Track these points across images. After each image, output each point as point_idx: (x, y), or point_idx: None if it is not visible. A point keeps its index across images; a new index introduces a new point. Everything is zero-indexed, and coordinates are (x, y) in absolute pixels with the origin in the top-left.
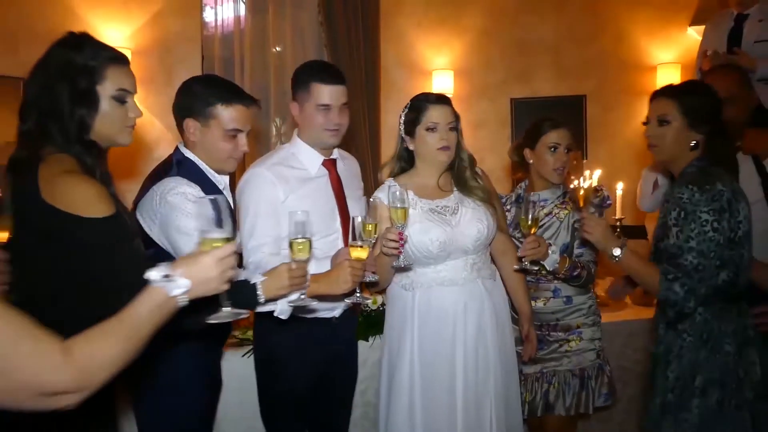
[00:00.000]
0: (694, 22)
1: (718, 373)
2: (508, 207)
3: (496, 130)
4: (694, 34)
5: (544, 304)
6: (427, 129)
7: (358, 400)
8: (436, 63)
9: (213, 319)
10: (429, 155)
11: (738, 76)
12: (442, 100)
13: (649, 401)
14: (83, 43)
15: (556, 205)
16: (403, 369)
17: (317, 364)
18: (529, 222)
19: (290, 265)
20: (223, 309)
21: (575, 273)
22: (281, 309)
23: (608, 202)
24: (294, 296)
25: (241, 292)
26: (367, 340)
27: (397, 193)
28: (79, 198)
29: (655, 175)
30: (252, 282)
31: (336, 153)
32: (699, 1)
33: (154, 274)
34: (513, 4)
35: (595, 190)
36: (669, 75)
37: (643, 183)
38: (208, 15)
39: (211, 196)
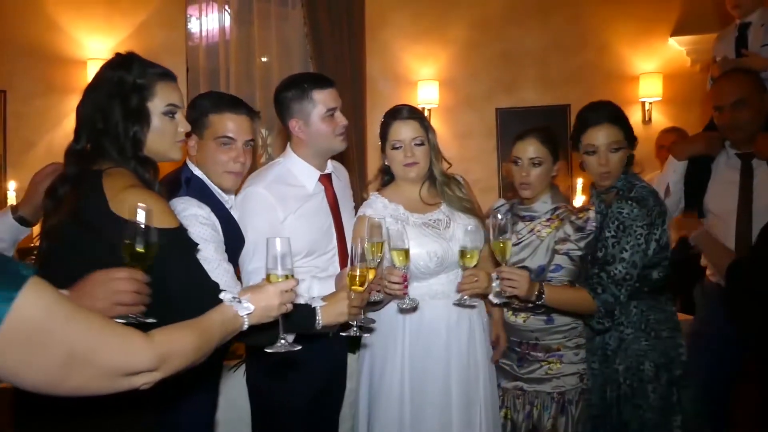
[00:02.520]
0: (675, 33)
1: (664, 358)
2: (501, 216)
3: (482, 141)
4: (675, 45)
5: (524, 321)
6: (393, 147)
7: (347, 413)
8: (422, 74)
9: (271, 349)
10: (398, 172)
11: (748, 79)
12: (407, 115)
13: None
14: (132, 61)
15: (541, 222)
16: (393, 383)
17: (315, 379)
18: (468, 254)
19: (349, 293)
20: (280, 341)
21: (530, 305)
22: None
23: (593, 224)
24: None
25: (300, 314)
26: (355, 353)
27: (396, 232)
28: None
29: (667, 182)
30: (313, 306)
31: (330, 166)
32: (680, 13)
33: (226, 295)
34: (498, 15)
35: (580, 210)
36: (651, 84)
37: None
38: (193, 26)
39: (281, 238)
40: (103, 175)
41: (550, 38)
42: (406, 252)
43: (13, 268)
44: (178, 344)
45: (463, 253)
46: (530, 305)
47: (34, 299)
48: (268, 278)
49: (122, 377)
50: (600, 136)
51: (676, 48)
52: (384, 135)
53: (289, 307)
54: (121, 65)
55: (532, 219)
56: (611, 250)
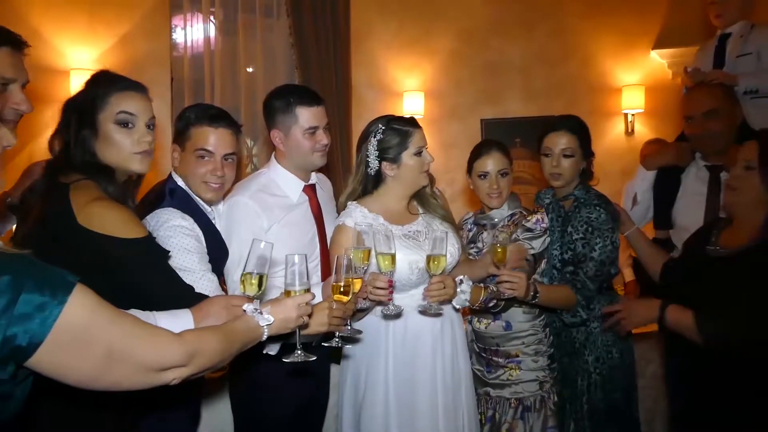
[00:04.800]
0: (657, 45)
1: (625, 344)
2: (470, 226)
3: (467, 151)
4: (657, 58)
5: (485, 327)
6: (416, 154)
7: (331, 425)
8: (407, 84)
9: (288, 359)
10: (411, 179)
11: (720, 90)
12: (417, 122)
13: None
14: (99, 77)
15: (499, 228)
16: (377, 393)
17: (298, 391)
18: (434, 261)
19: (332, 304)
20: (297, 351)
21: (490, 305)
22: (270, 345)
23: (542, 225)
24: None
25: None
26: (339, 363)
27: (382, 237)
28: (115, 221)
29: (634, 191)
30: None
31: (314, 177)
32: (661, 26)
33: (248, 306)
34: (482, 27)
35: (531, 212)
36: (633, 96)
37: (625, 199)
38: (178, 36)
39: (299, 254)
40: (71, 188)
41: (534, 50)
42: (392, 257)
43: (60, 274)
44: (206, 343)
45: (429, 260)
46: (490, 308)
47: (82, 302)
48: (286, 293)
49: (155, 372)
50: (556, 140)
51: (658, 61)
52: (401, 144)
53: (306, 319)
54: (90, 81)
55: (492, 227)
56: (582, 251)
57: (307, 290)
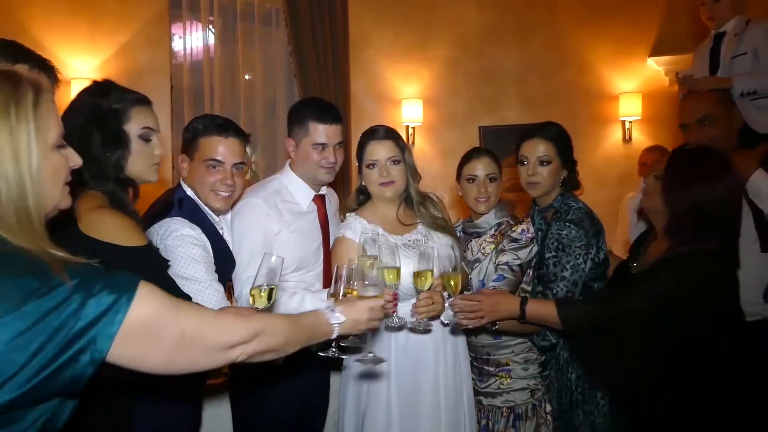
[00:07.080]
0: (653, 53)
1: None
2: (458, 233)
3: None
4: (654, 65)
5: (476, 336)
6: (368, 166)
7: (332, 431)
8: (405, 92)
9: (324, 353)
10: (374, 191)
11: (712, 96)
12: (382, 135)
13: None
14: (108, 88)
15: (486, 239)
16: (379, 400)
17: (299, 395)
18: (422, 276)
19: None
20: (368, 354)
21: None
22: None
23: (528, 234)
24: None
25: None
26: (339, 370)
27: (386, 250)
28: (116, 229)
29: (640, 205)
30: None
31: (324, 188)
32: (657, 33)
33: (321, 303)
34: (478, 35)
35: (517, 221)
36: (630, 103)
37: (630, 214)
38: (177, 45)
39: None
40: (76, 198)
41: (530, 58)
42: (397, 270)
43: (125, 275)
44: (273, 325)
45: (416, 277)
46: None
47: (149, 295)
48: (352, 294)
49: (223, 351)
50: (532, 148)
51: (655, 68)
52: (360, 155)
53: (377, 323)
54: (98, 92)
55: (479, 236)
56: (552, 269)
57: (380, 295)
